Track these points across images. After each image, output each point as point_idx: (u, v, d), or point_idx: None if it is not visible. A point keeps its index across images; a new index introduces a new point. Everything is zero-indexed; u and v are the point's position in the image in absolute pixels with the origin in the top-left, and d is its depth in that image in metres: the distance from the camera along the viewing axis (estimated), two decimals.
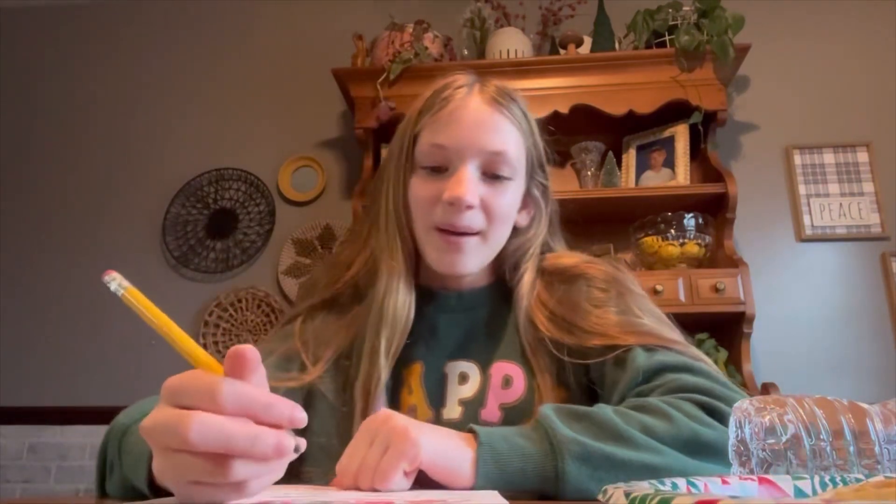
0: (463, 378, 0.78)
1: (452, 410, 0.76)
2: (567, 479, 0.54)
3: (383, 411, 0.57)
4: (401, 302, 0.76)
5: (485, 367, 0.78)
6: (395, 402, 0.78)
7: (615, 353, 0.70)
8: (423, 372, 0.79)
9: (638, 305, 0.76)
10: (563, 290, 0.79)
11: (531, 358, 0.76)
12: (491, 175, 0.76)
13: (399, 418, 0.55)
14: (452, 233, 0.75)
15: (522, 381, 0.76)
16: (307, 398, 0.74)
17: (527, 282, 0.80)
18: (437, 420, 0.76)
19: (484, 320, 0.82)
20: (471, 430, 0.57)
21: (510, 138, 0.77)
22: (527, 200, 0.84)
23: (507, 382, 0.76)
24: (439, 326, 0.82)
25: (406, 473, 0.52)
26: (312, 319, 0.80)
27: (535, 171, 0.84)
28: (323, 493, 0.48)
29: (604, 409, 0.59)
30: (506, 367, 0.77)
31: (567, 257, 0.84)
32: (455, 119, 0.76)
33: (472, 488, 0.54)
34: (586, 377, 0.75)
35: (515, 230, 0.83)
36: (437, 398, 0.77)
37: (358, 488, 0.52)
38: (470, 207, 0.74)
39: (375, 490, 0.51)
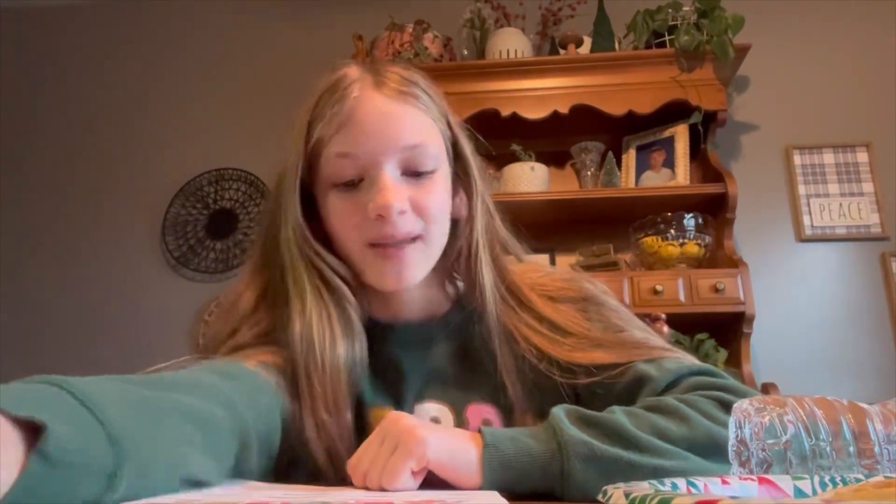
0: (435, 423, 0.71)
1: None
2: (573, 479, 0.53)
3: (394, 413, 0.57)
4: (327, 341, 0.66)
5: (459, 411, 0.72)
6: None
7: (616, 372, 0.66)
8: None
9: (619, 318, 0.72)
10: (543, 309, 0.72)
11: (511, 394, 0.70)
12: (413, 172, 0.68)
13: (408, 419, 0.55)
14: (389, 245, 0.67)
15: (500, 423, 0.71)
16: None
17: (488, 285, 0.71)
18: None
19: (449, 355, 0.75)
20: (479, 431, 0.57)
21: (423, 127, 0.69)
22: (456, 187, 0.75)
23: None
24: (401, 364, 0.74)
25: (414, 473, 0.52)
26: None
27: (458, 154, 0.74)
28: (322, 494, 0.48)
29: (616, 412, 0.57)
30: (483, 410, 0.72)
31: (532, 272, 0.76)
32: (357, 120, 0.67)
33: (479, 488, 0.53)
34: (574, 398, 0.68)
35: (455, 224, 0.74)
36: None
37: (367, 487, 0.53)
38: (402, 213, 0.66)
39: (383, 489, 0.52)
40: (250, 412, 0.56)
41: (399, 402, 0.73)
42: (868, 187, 2.30)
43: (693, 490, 0.38)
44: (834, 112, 2.38)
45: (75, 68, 2.77)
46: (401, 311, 0.76)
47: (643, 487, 0.34)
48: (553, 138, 2.29)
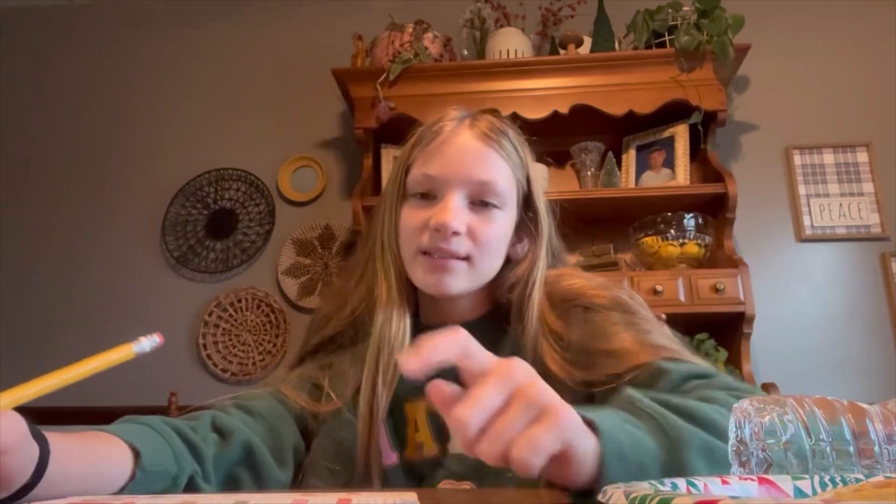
0: None
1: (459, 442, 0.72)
2: (692, 473, 0.48)
3: (516, 361, 0.44)
4: (394, 329, 0.78)
5: None
6: (400, 439, 0.78)
7: (635, 372, 0.69)
8: (428, 408, 0.79)
9: (648, 325, 0.75)
10: (573, 325, 0.77)
11: None
12: (479, 203, 0.78)
13: (543, 383, 0.44)
14: (438, 256, 0.76)
15: None
16: (315, 420, 0.78)
17: (532, 316, 0.78)
18: (444, 454, 0.76)
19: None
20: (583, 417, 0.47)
21: (498, 168, 0.79)
22: (521, 234, 0.84)
23: None
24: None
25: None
26: (326, 355, 0.84)
27: (528, 204, 0.84)
28: (322, 495, 0.48)
29: (670, 396, 0.56)
30: None
31: (570, 278, 0.83)
32: (443, 151, 0.78)
33: (591, 482, 0.46)
34: (586, 400, 0.71)
35: (510, 262, 0.83)
36: (440, 431, 0.77)
37: (497, 455, 0.41)
38: (456, 234, 0.75)
39: (522, 462, 0.40)
40: (266, 438, 0.72)
41: None
42: (868, 187, 2.30)
43: (693, 490, 0.38)
44: (834, 112, 2.38)
45: (75, 68, 2.77)
46: (444, 317, 0.83)
47: (643, 487, 0.34)
48: (553, 138, 2.29)
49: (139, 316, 2.47)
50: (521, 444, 0.41)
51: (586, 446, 0.45)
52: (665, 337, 0.75)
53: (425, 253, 0.77)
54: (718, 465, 0.49)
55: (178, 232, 2.54)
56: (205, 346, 2.41)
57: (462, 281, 0.77)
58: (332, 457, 0.75)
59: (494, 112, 0.86)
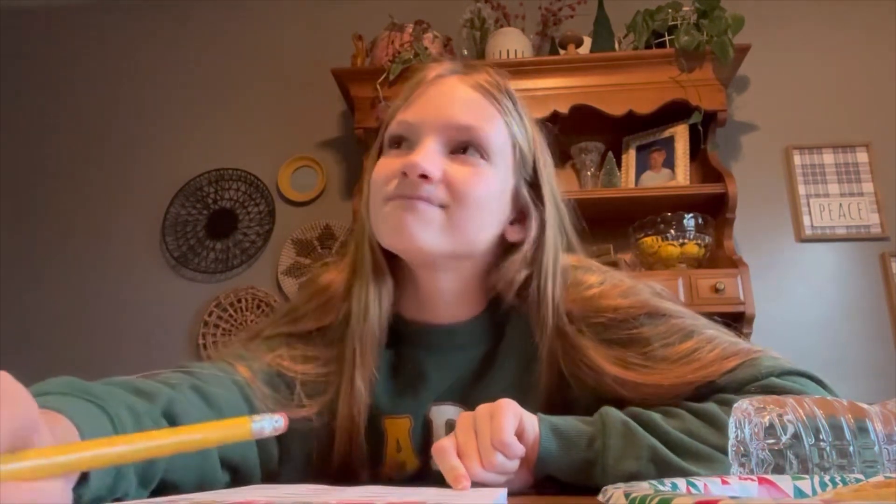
0: (451, 427, 0.71)
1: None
2: (610, 451, 0.57)
3: (466, 413, 0.59)
4: (371, 320, 0.69)
5: None
6: (378, 455, 0.72)
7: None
8: (411, 426, 0.72)
9: (683, 326, 0.67)
10: (604, 347, 0.67)
11: (527, 399, 0.67)
12: (461, 150, 0.67)
13: (482, 406, 0.58)
14: (407, 196, 0.65)
15: None
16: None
17: (551, 313, 0.68)
18: (426, 469, 0.71)
19: (474, 360, 0.73)
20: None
21: (488, 117, 0.68)
22: (521, 213, 0.73)
23: None
24: (425, 369, 0.73)
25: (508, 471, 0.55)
26: (293, 348, 0.71)
27: (526, 169, 0.72)
28: (311, 494, 0.47)
29: (653, 412, 0.61)
30: None
31: (587, 287, 0.71)
32: (423, 94, 0.69)
33: (538, 450, 0.57)
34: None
35: (507, 247, 0.72)
36: (422, 449, 0.72)
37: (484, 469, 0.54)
38: (426, 177, 0.63)
39: (496, 448, 0.54)
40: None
41: (416, 405, 0.72)
42: (868, 187, 2.30)
43: (693, 490, 0.38)
44: (834, 112, 2.38)
45: (75, 69, 2.77)
46: (432, 313, 0.74)
47: (643, 487, 0.34)
48: (553, 138, 2.28)
49: (139, 316, 2.47)
50: (483, 440, 0.54)
51: (532, 420, 0.58)
52: (708, 327, 0.68)
53: (391, 198, 0.66)
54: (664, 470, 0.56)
55: (178, 232, 2.54)
56: (205, 346, 2.41)
57: (434, 231, 0.64)
58: (301, 467, 0.68)
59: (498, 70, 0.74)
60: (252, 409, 0.64)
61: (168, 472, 0.51)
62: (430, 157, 0.64)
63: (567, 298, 0.70)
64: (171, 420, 0.54)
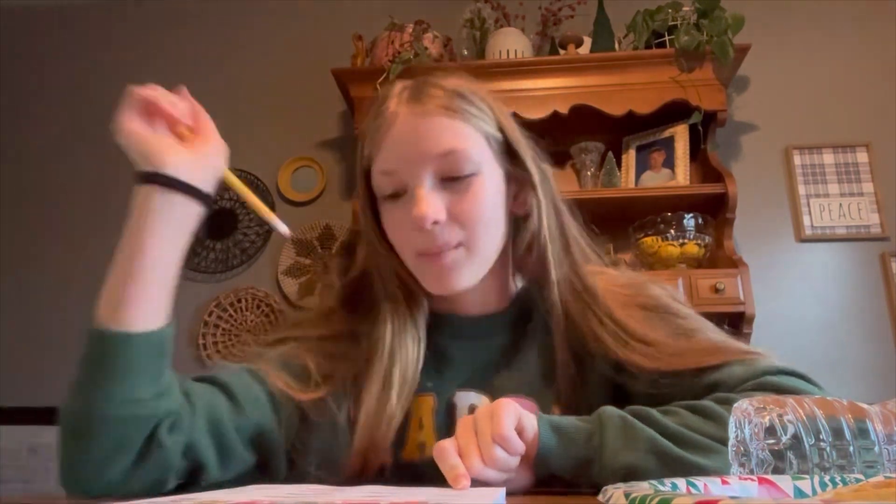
0: (472, 411, 0.73)
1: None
2: (607, 448, 0.58)
3: (466, 416, 0.60)
4: (409, 347, 0.74)
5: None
6: (399, 438, 0.74)
7: (679, 379, 0.67)
8: (434, 406, 0.76)
9: (689, 324, 0.72)
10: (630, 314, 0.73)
11: (557, 388, 0.73)
12: (451, 178, 0.70)
13: (482, 407, 0.60)
14: (433, 253, 0.71)
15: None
16: (305, 411, 0.72)
17: (557, 280, 0.74)
18: None
19: (499, 349, 0.78)
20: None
21: (457, 133, 0.70)
22: (516, 186, 0.77)
23: None
24: (450, 355, 0.78)
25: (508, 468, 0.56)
26: (308, 342, 0.77)
27: (513, 153, 0.75)
28: (314, 494, 0.47)
29: (651, 409, 0.62)
30: (521, 403, 0.73)
31: (600, 275, 0.78)
32: (392, 137, 0.71)
33: (538, 447, 0.59)
34: (624, 401, 0.69)
35: (518, 223, 0.78)
36: (444, 430, 0.74)
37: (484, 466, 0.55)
38: (437, 223, 0.69)
39: (498, 443, 0.55)
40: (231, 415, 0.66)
41: (441, 387, 0.76)
42: (868, 187, 2.30)
43: (693, 490, 0.38)
44: (834, 112, 2.38)
45: (75, 68, 2.77)
46: (458, 306, 0.79)
47: (643, 487, 0.34)
48: (553, 138, 2.28)
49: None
50: (483, 437, 0.55)
51: (531, 418, 0.59)
52: (711, 331, 0.72)
53: (421, 254, 0.72)
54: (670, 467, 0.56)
55: None
56: (205, 346, 2.41)
57: (465, 271, 0.71)
58: (315, 463, 0.71)
59: (435, 74, 0.76)
60: (273, 401, 0.70)
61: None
62: (429, 203, 0.68)
63: (590, 273, 0.76)
64: (185, 394, 0.63)
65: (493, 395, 0.75)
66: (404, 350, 0.73)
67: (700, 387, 0.66)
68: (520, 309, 0.80)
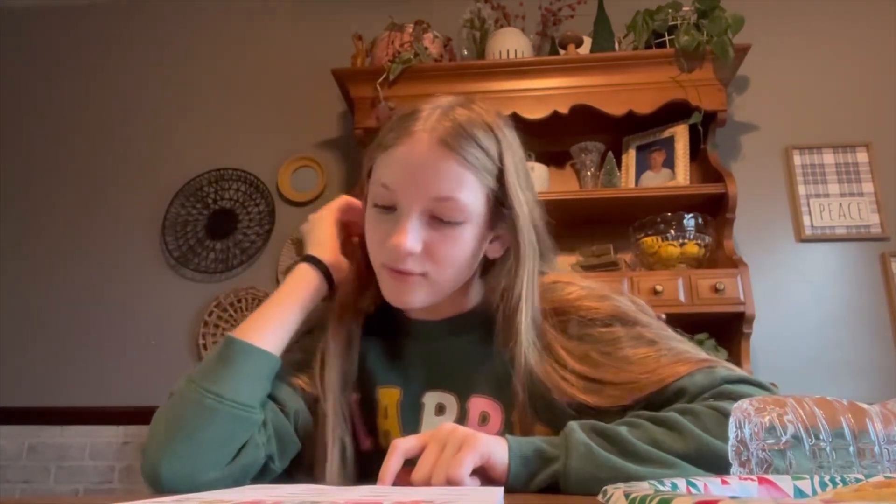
0: (440, 409, 0.79)
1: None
2: (571, 476, 0.60)
3: (447, 424, 0.63)
4: (344, 336, 0.81)
5: (463, 401, 0.78)
6: (370, 424, 0.80)
7: (644, 396, 0.69)
8: (400, 399, 0.80)
9: (652, 334, 0.74)
10: (573, 339, 0.74)
11: (516, 394, 0.73)
12: (439, 220, 0.73)
13: (463, 428, 0.62)
14: (397, 270, 0.74)
15: (499, 417, 0.76)
16: (313, 405, 0.79)
17: (525, 331, 0.74)
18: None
19: (463, 349, 0.80)
20: (505, 438, 0.64)
21: (460, 181, 0.72)
22: (498, 231, 0.78)
23: (483, 419, 0.76)
24: (411, 355, 0.82)
25: (473, 474, 0.59)
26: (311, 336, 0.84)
27: (502, 209, 0.76)
28: (317, 493, 0.48)
29: (621, 425, 0.64)
30: (482, 404, 0.77)
31: (565, 288, 0.79)
32: (402, 160, 0.72)
33: (506, 481, 0.61)
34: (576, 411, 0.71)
35: (492, 262, 0.80)
36: (412, 427, 0.78)
37: (430, 484, 0.58)
38: (410, 255, 0.72)
39: (449, 482, 0.57)
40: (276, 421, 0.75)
41: (406, 382, 0.81)
42: (868, 187, 2.30)
43: (693, 490, 0.38)
44: (834, 112, 2.38)
45: (75, 68, 2.77)
46: (423, 309, 0.80)
47: (643, 487, 0.34)
48: (553, 138, 2.29)
49: (139, 316, 2.47)
50: (441, 468, 0.58)
51: (501, 452, 0.61)
52: (674, 340, 0.74)
53: (386, 266, 0.75)
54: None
55: (178, 232, 2.54)
56: (205, 346, 2.41)
57: (421, 294, 0.75)
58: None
59: (468, 103, 0.77)
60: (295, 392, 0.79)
61: None
62: (410, 236, 0.72)
63: (546, 299, 0.77)
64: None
65: (460, 394, 0.78)
66: (338, 357, 0.80)
67: (664, 396, 0.69)
68: (485, 310, 0.80)
